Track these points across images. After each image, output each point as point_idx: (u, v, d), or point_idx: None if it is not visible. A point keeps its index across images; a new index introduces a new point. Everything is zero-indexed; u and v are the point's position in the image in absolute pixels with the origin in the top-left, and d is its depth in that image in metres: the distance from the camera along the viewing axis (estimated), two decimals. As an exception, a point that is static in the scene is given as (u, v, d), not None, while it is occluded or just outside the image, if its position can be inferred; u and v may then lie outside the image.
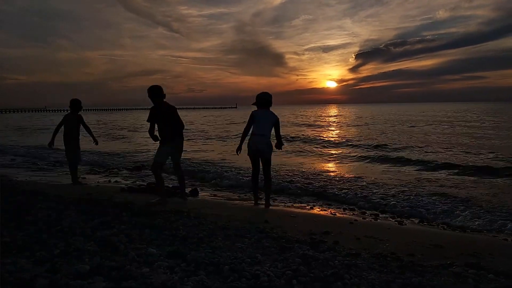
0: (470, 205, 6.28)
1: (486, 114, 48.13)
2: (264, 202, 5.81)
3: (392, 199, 6.70)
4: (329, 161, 12.49)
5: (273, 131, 5.66)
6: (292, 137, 20.35)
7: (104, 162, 11.88)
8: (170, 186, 6.86)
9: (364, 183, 8.18)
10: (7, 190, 5.63)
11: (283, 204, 6.39)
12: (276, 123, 5.65)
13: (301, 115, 61.65)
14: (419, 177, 9.01)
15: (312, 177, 9.00)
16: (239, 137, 5.92)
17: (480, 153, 12.71)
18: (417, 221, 5.61)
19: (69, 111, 7.29)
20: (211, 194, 7.14)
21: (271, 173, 5.88)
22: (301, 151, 14.87)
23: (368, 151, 14.44)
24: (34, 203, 4.58)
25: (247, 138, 5.68)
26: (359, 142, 17.24)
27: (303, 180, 8.57)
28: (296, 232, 4.15)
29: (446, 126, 27.36)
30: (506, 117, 38.62)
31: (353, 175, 9.26)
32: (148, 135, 5.79)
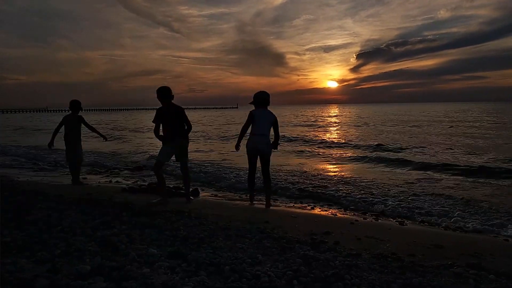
0: (470, 206, 6.28)
1: (487, 114, 48.08)
2: (264, 203, 5.82)
3: (391, 200, 6.70)
4: (328, 162, 12.47)
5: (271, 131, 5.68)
6: (293, 138, 20.34)
7: (105, 162, 11.90)
8: (171, 186, 6.86)
9: (364, 184, 8.18)
10: (7, 190, 5.64)
11: (284, 204, 6.38)
12: (274, 122, 5.67)
13: (302, 115, 61.68)
14: (419, 178, 9.01)
15: (311, 178, 9.00)
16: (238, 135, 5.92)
17: (480, 154, 12.70)
18: (418, 221, 5.60)
19: (69, 112, 7.31)
20: (212, 194, 7.14)
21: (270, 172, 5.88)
22: (301, 152, 14.87)
23: (368, 151, 14.44)
24: (34, 203, 4.58)
25: (246, 137, 5.69)
26: (359, 143, 17.24)
27: (302, 181, 8.57)
28: (297, 232, 4.14)
29: (446, 126, 27.35)
30: (506, 117, 38.58)
31: (352, 177, 9.26)
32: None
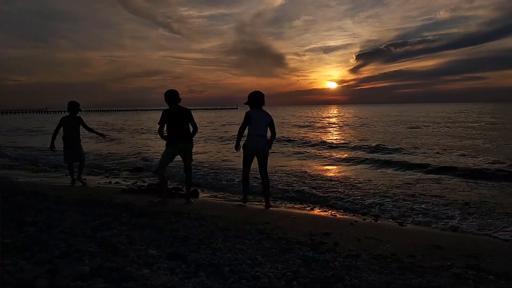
0: (470, 207, 6.28)
1: (486, 114, 48.10)
2: (264, 203, 5.82)
3: (390, 201, 6.71)
4: (327, 163, 12.47)
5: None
6: (292, 139, 20.34)
7: (104, 163, 11.90)
8: (170, 187, 6.86)
9: (363, 185, 8.18)
10: (7, 191, 5.64)
11: (283, 205, 6.38)
12: (271, 123, 5.71)
13: (301, 115, 61.69)
14: (419, 179, 9.01)
15: (311, 179, 9.00)
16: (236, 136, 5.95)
17: (479, 155, 12.70)
18: (417, 222, 5.60)
19: (68, 113, 7.30)
20: (211, 195, 7.14)
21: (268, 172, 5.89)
22: (300, 153, 14.87)
23: (367, 153, 14.44)
24: (34, 204, 4.58)
25: (244, 138, 5.71)
26: (358, 144, 17.24)
27: (301, 182, 8.58)
28: (296, 233, 4.15)
29: (445, 127, 27.36)
30: (506, 118, 38.60)
31: (352, 178, 9.27)
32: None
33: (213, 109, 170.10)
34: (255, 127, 5.59)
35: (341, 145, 17.39)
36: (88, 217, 4.00)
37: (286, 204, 6.45)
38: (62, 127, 7.15)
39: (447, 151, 13.99)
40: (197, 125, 5.82)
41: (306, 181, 8.59)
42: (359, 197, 7.01)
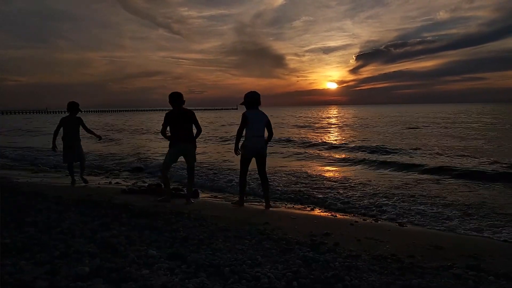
0: (470, 208, 6.27)
1: (486, 115, 48.12)
2: (264, 204, 5.83)
3: (390, 202, 6.70)
4: (327, 164, 12.48)
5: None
6: (292, 139, 20.34)
7: (105, 163, 11.90)
8: (170, 187, 6.85)
9: (363, 185, 8.18)
10: (7, 191, 5.64)
11: (283, 205, 6.38)
12: (268, 123, 5.73)
13: (301, 116, 61.71)
14: (418, 179, 9.01)
15: (310, 180, 9.00)
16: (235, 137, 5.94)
17: (479, 156, 12.70)
18: (417, 223, 5.60)
19: (68, 114, 7.30)
20: (211, 195, 7.14)
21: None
22: (299, 153, 14.86)
23: (366, 153, 14.44)
24: (34, 205, 4.58)
25: (242, 139, 5.71)
26: (358, 144, 17.23)
27: (301, 183, 8.57)
28: (296, 233, 4.15)
29: (445, 128, 27.37)
30: (506, 119, 38.61)
31: (351, 178, 9.26)
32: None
33: (213, 109, 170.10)
34: (253, 128, 5.59)
35: (341, 145, 17.39)
36: (87, 218, 4.00)
37: (286, 205, 6.46)
38: (62, 128, 7.16)
39: (447, 152, 13.99)
40: (201, 126, 5.93)
41: (306, 182, 8.60)
42: (359, 198, 7.01)
